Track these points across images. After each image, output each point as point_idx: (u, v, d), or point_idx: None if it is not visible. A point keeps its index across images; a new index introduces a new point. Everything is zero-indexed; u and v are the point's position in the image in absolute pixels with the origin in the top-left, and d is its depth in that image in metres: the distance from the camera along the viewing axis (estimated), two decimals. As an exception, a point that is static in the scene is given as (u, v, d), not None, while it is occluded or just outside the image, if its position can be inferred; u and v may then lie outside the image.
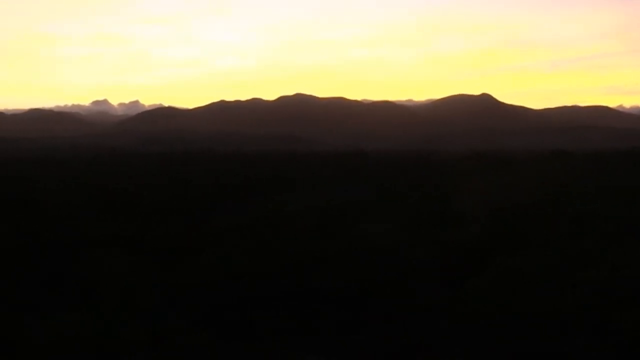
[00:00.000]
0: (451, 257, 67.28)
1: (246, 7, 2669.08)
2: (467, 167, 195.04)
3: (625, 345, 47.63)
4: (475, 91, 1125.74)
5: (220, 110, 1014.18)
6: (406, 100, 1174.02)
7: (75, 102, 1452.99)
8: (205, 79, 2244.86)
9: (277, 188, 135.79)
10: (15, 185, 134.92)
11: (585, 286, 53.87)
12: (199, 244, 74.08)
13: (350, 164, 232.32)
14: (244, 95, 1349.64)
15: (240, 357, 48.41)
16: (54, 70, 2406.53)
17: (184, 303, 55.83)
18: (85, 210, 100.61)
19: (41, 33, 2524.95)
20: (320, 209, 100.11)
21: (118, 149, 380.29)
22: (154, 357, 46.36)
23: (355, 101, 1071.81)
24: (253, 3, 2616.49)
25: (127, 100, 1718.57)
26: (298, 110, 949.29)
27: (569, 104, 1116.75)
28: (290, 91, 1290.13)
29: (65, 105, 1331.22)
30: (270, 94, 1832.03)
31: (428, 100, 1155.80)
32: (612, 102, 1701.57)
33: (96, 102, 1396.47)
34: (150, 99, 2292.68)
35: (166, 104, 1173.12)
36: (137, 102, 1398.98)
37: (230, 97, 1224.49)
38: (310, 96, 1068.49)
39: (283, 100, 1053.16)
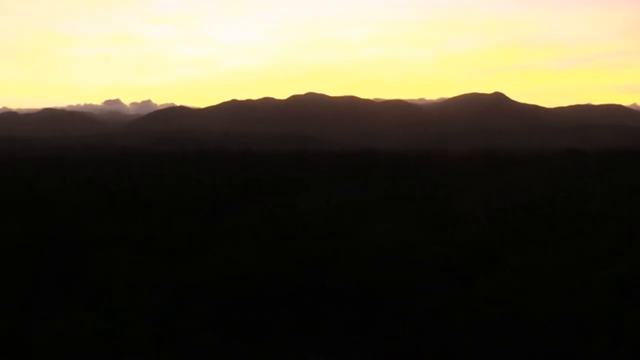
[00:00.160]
0: (461, 257, 66.78)
1: (258, 6, 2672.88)
2: (479, 166, 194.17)
3: (640, 347, 47.02)
4: (488, 90, 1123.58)
5: (232, 110, 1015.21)
6: (418, 99, 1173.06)
7: (88, 102, 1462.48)
8: (217, 78, 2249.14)
9: (287, 188, 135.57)
10: (26, 185, 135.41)
11: (599, 286, 53.27)
12: (208, 244, 73.99)
13: (362, 163, 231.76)
14: (255, 95, 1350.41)
15: (246, 357, 48.11)
16: (67, 69, 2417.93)
17: (191, 303, 55.60)
18: (97, 210, 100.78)
19: (53, 33, 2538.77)
20: (330, 209, 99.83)
21: (130, 148, 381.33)
22: (160, 357, 46.18)
23: (367, 100, 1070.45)
24: (265, 2, 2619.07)
25: (139, 99, 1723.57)
26: (309, 110, 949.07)
27: (582, 102, 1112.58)
28: (301, 90, 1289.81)
29: (78, 105, 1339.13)
30: (281, 93, 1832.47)
31: (440, 99, 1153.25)
32: (625, 101, 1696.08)
33: (108, 102, 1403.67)
34: (162, 99, 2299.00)
35: (178, 104, 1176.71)
36: (149, 101, 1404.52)
37: (241, 96, 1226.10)
38: (322, 95, 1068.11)
39: (294, 100, 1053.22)
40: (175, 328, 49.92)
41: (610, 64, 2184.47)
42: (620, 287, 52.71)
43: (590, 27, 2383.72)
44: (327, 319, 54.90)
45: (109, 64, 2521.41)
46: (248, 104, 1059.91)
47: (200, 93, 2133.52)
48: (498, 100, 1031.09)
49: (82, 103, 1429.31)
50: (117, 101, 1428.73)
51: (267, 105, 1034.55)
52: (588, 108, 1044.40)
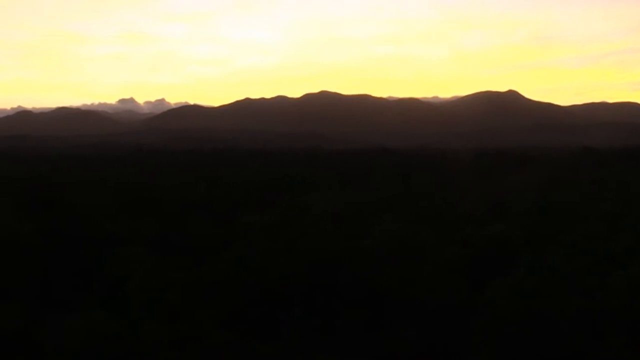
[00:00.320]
0: (475, 257, 66.39)
1: (271, 4, 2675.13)
2: (493, 165, 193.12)
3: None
4: (502, 88, 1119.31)
5: (246, 108, 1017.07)
6: (432, 97, 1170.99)
7: (102, 101, 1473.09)
8: (230, 76, 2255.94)
9: (301, 186, 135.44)
10: (42, 183, 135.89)
11: (614, 286, 52.78)
12: (221, 243, 73.97)
13: (375, 161, 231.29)
14: (269, 93, 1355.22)
15: (259, 356, 48.08)
16: (81, 69, 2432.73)
17: (204, 302, 55.61)
18: (111, 208, 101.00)
19: (68, 32, 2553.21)
20: (342, 208, 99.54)
21: (144, 147, 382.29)
22: (174, 355, 46.25)
23: (381, 98, 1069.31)
24: (278, 1, 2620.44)
25: (153, 98, 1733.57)
26: (323, 108, 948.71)
27: (597, 100, 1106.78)
28: (315, 88, 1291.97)
29: (92, 104, 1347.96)
30: (295, 92, 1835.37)
31: (454, 97, 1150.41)
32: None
33: (123, 101, 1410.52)
34: (176, 97, 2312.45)
35: (191, 102, 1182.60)
36: (162, 100, 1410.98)
37: (255, 94, 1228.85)
38: (336, 93, 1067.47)
39: (308, 98, 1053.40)
40: (189, 326, 49.95)
41: (624, 61, 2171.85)
42: (636, 286, 52.21)
43: (604, 25, 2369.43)
44: (339, 318, 54.80)
45: (123, 62, 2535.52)
46: (261, 103, 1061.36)
47: (214, 92, 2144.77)
48: (512, 98, 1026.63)
49: (96, 102, 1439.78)
50: (131, 100, 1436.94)
51: (280, 104, 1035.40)
52: (603, 106, 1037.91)
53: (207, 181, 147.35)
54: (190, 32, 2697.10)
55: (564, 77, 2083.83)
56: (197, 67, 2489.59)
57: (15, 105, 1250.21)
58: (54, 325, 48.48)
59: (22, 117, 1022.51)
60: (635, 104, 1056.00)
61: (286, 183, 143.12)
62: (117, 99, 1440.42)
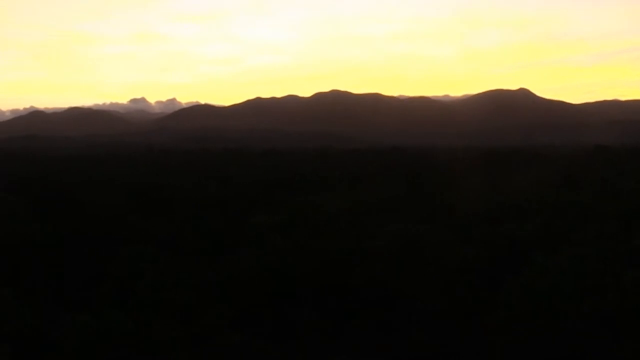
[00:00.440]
0: (489, 257, 65.98)
1: (282, 4, 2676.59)
2: (505, 163, 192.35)
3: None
4: (513, 86, 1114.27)
5: (256, 108, 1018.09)
6: (443, 96, 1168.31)
7: (114, 100, 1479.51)
8: (241, 76, 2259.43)
9: (313, 186, 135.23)
10: (54, 184, 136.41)
11: (629, 286, 52.28)
12: (233, 243, 73.91)
13: (386, 161, 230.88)
14: (279, 92, 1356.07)
15: (270, 358, 47.96)
16: (93, 68, 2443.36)
17: (216, 302, 55.54)
18: (123, 208, 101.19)
19: (80, 32, 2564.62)
20: (356, 207, 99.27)
21: (155, 146, 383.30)
22: (185, 356, 46.21)
23: (392, 97, 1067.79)
24: (289, 0, 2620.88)
25: (164, 98, 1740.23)
26: (334, 107, 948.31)
27: (609, 98, 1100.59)
28: (326, 87, 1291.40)
29: (104, 104, 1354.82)
30: (306, 91, 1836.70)
31: (465, 95, 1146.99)
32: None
33: (134, 100, 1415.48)
34: (187, 97, 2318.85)
35: (203, 102, 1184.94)
36: (174, 99, 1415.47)
37: (266, 94, 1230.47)
38: (346, 92, 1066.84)
39: (319, 97, 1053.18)
40: (200, 327, 49.89)
41: (637, 59, 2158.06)
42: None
43: (616, 22, 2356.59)
44: (351, 318, 54.58)
45: (135, 62, 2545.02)
46: (272, 102, 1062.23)
47: (225, 91, 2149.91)
48: (523, 96, 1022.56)
49: (107, 102, 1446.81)
50: (143, 100, 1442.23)
51: (291, 103, 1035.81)
52: (615, 104, 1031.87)
53: (218, 181, 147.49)
54: (201, 32, 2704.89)
55: (576, 75, 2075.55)
56: (208, 67, 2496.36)
57: (27, 106, 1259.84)
58: (66, 325, 48.54)
59: (35, 117, 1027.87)
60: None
61: (297, 182, 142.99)
62: (128, 99, 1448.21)
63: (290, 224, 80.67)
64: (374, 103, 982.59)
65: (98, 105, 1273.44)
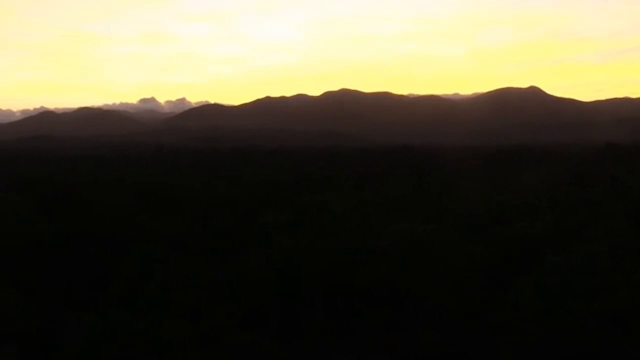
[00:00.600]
0: (507, 254, 65.60)
1: (291, 3, 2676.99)
2: (516, 162, 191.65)
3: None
4: (523, 84, 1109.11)
5: (266, 107, 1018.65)
6: (452, 94, 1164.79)
7: (123, 100, 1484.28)
8: (251, 75, 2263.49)
9: (322, 185, 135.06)
10: (62, 184, 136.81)
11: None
12: (241, 243, 73.86)
13: (396, 160, 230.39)
14: (289, 92, 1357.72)
15: (279, 357, 47.85)
16: (103, 68, 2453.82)
17: (224, 302, 55.47)
18: (133, 208, 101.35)
19: (89, 32, 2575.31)
20: (363, 207, 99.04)
21: (165, 146, 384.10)
22: (194, 356, 46.14)
23: (401, 96, 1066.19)
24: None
25: (173, 97, 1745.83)
26: (343, 106, 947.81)
27: (620, 95, 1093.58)
28: (335, 86, 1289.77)
29: (114, 104, 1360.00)
30: (315, 90, 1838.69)
31: (475, 93, 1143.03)
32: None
33: (144, 100, 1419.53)
34: (196, 96, 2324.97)
35: (212, 101, 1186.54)
36: (183, 99, 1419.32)
37: (275, 93, 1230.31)
38: (356, 91, 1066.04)
39: (328, 96, 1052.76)
40: (209, 327, 49.81)
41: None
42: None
43: (627, 20, 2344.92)
44: (359, 318, 54.37)
45: (144, 62, 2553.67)
46: (282, 101, 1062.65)
47: (234, 90, 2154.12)
48: (534, 94, 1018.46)
49: (117, 102, 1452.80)
50: (152, 99, 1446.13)
51: (300, 102, 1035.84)
52: (625, 101, 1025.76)
53: (227, 180, 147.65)
54: (210, 31, 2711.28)
55: (586, 72, 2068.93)
56: (217, 66, 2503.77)
57: (38, 106, 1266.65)
58: (73, 325, 48.57)
59: (45, 118, 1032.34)
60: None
61: (306, 182, 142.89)
62: (138, 99, 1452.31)
63: (297, 224, 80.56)
64: (384, 102, 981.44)
65: (108, 105, 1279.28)
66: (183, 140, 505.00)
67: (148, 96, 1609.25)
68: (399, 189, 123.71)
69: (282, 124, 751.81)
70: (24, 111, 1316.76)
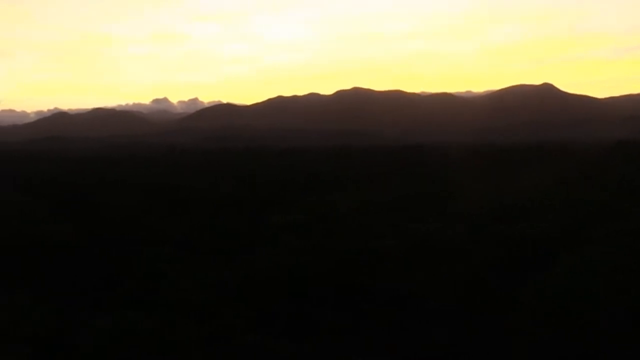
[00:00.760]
0: (515, 254, 65.02)
1: (302, 2, 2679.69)
2: (529, 159, 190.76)
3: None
4: (536, 81, 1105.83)
5: (278, 106, 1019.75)
6: (465, 92, 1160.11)
7: (137, 101, 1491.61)
8: (263, 74, 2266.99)
9: (331, 185, 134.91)
10: (78, 184, 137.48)
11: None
12: (251, 243, 73.74)
13: (409, 158, 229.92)
14: (301, 91, 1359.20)
15: (289, 357, 47.58)
16: (115, 69, 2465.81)
17: (237, 301, 55.32)
18: (143, 208, 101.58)
19: (102, 33, 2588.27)
20: (371, 207, 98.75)
21: (179, 146, 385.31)
22: (209, 355, 46.05)
23: (414, 94, 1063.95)
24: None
25: (186, 98, 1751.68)
26: (355, 104, 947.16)
27: (635, 92, 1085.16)
28: (347, 85, 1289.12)
29: (127, 104, 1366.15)
30: (327, 89, 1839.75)
31: (487, 91, 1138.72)
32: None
33: (156, 101, 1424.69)
34: (209, 96, 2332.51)
35: (225, 101, 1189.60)
36: (196, 99, 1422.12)
37: (287, 92, 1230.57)
38: (368, 90, 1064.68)
39: (340, 95, 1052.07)
40: (217, 327, 49.67)
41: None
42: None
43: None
44: (368, 318, 54.00)
45: (156, 62, 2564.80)
46: (294, 100, 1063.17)
47: (247, 90, 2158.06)
48: (547, 91, 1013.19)
49: (130, 102, 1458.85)
50: (165, 100, 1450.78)
51: (313, 101, 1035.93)
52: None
53: (237, 181, 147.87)
54: (222, 31, 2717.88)
55: (601, 68, 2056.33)
56: (229, 66, 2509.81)
57: (51, 107, 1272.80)
58: (87, 326, 48.57)
59: (59, 119, 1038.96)
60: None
61: (314, 182, 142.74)
62: (151, 99, 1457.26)
63: (305, 224, 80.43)
64: (396, 100, 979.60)
65: (121, 106, 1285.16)
66: (195, 141, 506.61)
67: (161, 96, 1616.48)
68: (410, 188, 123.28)
69: (294, 123, 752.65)
70: (38, 112, 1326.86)
